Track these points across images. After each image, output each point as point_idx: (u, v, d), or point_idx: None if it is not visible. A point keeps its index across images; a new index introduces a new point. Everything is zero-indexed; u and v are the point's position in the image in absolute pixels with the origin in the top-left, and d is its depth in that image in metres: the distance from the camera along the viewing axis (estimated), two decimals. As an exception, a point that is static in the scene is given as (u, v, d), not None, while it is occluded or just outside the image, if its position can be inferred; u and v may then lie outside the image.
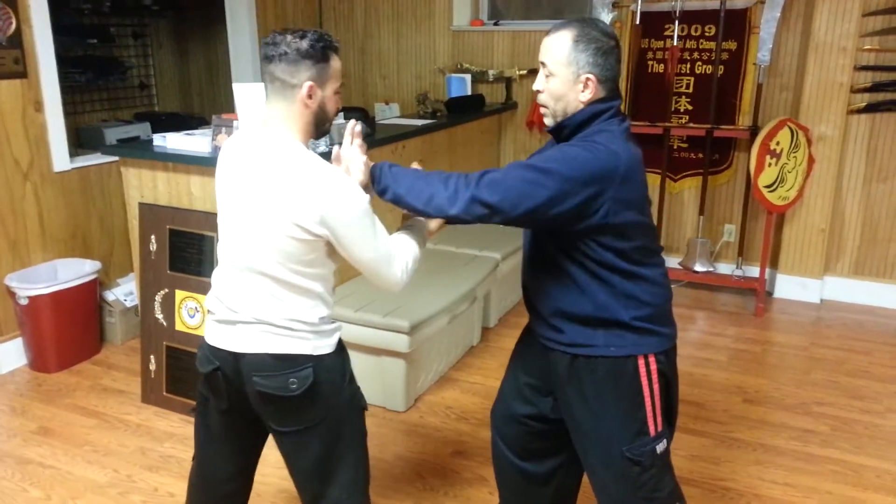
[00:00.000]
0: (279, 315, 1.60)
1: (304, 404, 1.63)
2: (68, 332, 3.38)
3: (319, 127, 1.63)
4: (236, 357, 1.63)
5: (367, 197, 1.58)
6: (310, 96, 1.56)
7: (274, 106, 1.59)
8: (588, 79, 1.59)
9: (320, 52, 1.55)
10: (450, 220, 1.65)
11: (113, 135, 4.37)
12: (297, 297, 1.60)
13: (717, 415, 2.98)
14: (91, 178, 3.71)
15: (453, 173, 1.62)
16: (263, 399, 1.63)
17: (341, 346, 1.71)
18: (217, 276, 1.70)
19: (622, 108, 1.76)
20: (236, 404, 1.69)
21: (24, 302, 3.25)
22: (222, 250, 1.68)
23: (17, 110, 3.32)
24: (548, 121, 1.69)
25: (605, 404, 1.67)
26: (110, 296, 3.65)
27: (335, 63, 1.60)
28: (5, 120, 3.28)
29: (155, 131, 3.56)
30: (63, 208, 3.59)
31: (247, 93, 2.76)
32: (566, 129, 1.65)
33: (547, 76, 1.63)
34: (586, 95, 1.60)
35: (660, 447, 1.68)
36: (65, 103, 3.54)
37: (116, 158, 3.26)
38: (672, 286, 1.76)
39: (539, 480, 1.94)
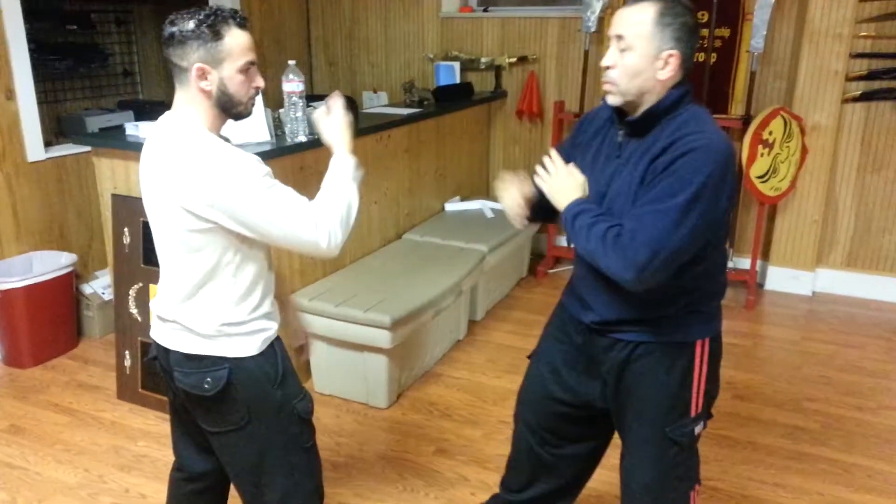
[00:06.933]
0: (192, 314, 1.55)
1: (221, 405, 1.58)
2: (43, 327, 3.30)
3: (229, 110, 1.52)
4: (166, 351, 1.62)
5: (263, 169, 1.47)
6: (202, 78, 1.47)
7: (177, 91, 1.52)
8: (671, 55, 1.47)
9: (208, 31, 1.45)
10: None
11: (94, 123, 4.26)
12: (211, 294, 1.54)
13: (705, 411, 2.91)
14: (68, 168, 3.62)
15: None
16: (186, 395, 1.61)
17: (271, 349, 1.63)
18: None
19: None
20: (180, 396, 1.67)
21: (-4, 296, 3.17)
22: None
23: (-13, 98, 3.22)
24: (613, 99, 1.54)
25: (659, 386, 1.64)
26: (88, 289, 3.57)
27: (232, 39, 1.47)
28: (-25, 108, 3.18)
29: (139, 119, 3.45)
30: (38, 199, 3.49)
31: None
32: (652, 117, 1.50)
33: (622, 50, 1.48)
34: (665, 74, 1.48)
35: (697, 429, 1.68)
36: (43, 91, 3.43)
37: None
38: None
39: (561, 462, 1.90)
